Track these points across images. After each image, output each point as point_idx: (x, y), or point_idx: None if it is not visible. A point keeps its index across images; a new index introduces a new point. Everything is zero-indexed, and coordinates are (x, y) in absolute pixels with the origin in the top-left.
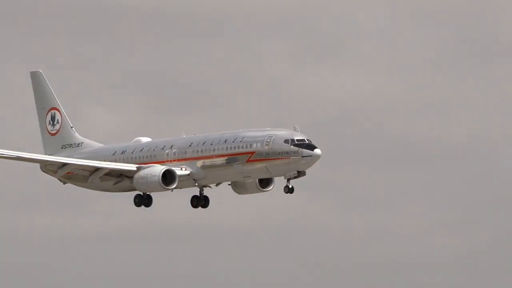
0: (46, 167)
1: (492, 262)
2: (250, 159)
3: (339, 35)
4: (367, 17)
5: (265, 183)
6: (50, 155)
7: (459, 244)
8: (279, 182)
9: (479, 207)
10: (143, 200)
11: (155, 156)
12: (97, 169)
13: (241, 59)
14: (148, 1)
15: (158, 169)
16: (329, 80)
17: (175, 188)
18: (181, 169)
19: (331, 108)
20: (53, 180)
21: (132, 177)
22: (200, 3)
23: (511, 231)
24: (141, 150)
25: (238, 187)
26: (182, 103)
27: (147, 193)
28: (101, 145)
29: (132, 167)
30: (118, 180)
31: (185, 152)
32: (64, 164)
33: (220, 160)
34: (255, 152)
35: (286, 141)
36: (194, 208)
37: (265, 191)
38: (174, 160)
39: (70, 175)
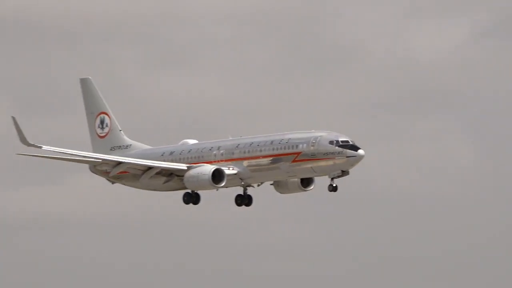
0: (96, 167)
1: None
2: (296, 159)
3: (184, 43)
4: (213, 26)
5: (306, 183)
6: None
7: None
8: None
9: None
10: (192, 198)
11: (203, 157)
12: (149, 168)
13: (90, 65)
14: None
15: (209, 168)
16: (175, 85)
17: (223, 186)
18: (229, 169)
19: (177, 112)
20: (102, 180)
21: (183, 176)
22: (53, 12)
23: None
24: (189, 151)
25: (281, 186)
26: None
27: (196, 191)
28: (148, 147)
29: (183, 166)
30: (168, 179)
31: (232, 153)
32: (119, 163)
33: (266, 160)
34: (301, 152)
35: (331, 142)
36: (238, 206)
37: (307, 190)
38: (222, 161)
39: (120, 174)
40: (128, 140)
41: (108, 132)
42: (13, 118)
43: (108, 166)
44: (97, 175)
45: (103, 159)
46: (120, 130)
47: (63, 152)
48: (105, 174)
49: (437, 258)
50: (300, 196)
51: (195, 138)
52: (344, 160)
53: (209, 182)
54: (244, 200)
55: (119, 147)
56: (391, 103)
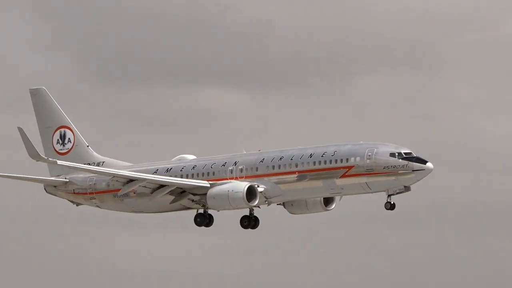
0: (58, 188)
1: None
2: (346, 174)
3: None
4: None
5: (325, 201)
6: (57, 176)
7: None
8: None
9: None
10: (205, 220)
11: (213, 173)
12: (161, 185)
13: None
14: None
15: (242, 185)
16: None
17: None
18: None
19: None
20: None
21: (202, 194)
22: None
23: None
24: (193, 167)
25: (297, 206)
26: None
27: (218, 211)
28: (127, 163)
29: (205, 183)
30: (176, 198)
31: (256, 169)
32: (130, 181)
33: (304, 176)
34: (353, 166)
35: (392, 154)
36: (244, 229)
37: (329, 210)
38: (241, 177)
39: (99, 195)
40: (99, 157)
41: (72, 148)
42: (20, 129)
43: (118, 183)
44: (56, 197)
45: (123, 176)
46: (88, 146)
47: (81, 168)
48: (68, 194)
49: None
50: (316, 216)
51: (191, 153)
52: (410, 174)
53: (243, 200)
54: (251, 221)
55: (89, 164)
56: None
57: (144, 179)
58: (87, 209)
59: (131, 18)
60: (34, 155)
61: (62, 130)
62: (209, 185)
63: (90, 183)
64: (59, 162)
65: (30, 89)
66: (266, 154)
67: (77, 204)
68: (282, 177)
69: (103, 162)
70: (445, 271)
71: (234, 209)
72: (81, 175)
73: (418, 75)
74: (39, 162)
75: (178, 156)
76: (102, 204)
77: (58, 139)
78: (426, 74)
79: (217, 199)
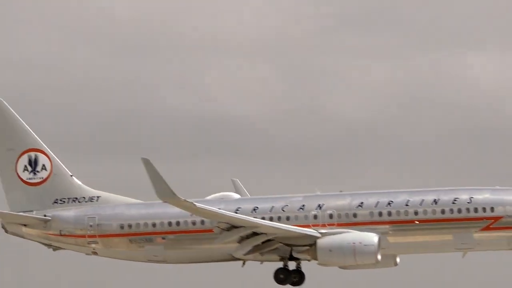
0: (27, 226)
1: None
2: (491, 226)
3: None
4: None
5: None
6: (26, 212)
7: None
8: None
9: None
10: (290, 277)
11: (287, 218)
12: (256, 233)
13: None
14: None
15: (370, 236)
16: None
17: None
18: None
19: None
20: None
21: (301, 245)
22: None
23: None
24: (255, 209)
25: None
26: None
27: (337, 266)
28: (136, 201)
29: (314, 232)
30: (256, 248)
31: (354, 215)
32: (234, 227)
33: (430, 227)
34: (501, 217)
35: None
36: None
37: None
38: (331, 224)
39: (99, 239)
40: (90, 190)
41: (48, 177)
42: (146, 160)
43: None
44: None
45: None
46: (72, 176)
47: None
48: (46, 235)
49: None
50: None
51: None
52: None
53: (375, 256)
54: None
55: (76, 199)
56: None
57: (259, 225)
58: (73, 255)
59: None
60: (167, 194)
61: (33, 154)
62: (319, 235)
63: (91, 223)
64: (198, 205)
65: None
66: (362, 197)
67: (55, 249)
68: (393, 227)
69: (98, 197)
70: None
71: (355, 266)
72: (72, 212)
73: None
74: None
75: (219, 194)
76: (104, 250)
77: (25, 165)
78: None
79: (337, 253)
